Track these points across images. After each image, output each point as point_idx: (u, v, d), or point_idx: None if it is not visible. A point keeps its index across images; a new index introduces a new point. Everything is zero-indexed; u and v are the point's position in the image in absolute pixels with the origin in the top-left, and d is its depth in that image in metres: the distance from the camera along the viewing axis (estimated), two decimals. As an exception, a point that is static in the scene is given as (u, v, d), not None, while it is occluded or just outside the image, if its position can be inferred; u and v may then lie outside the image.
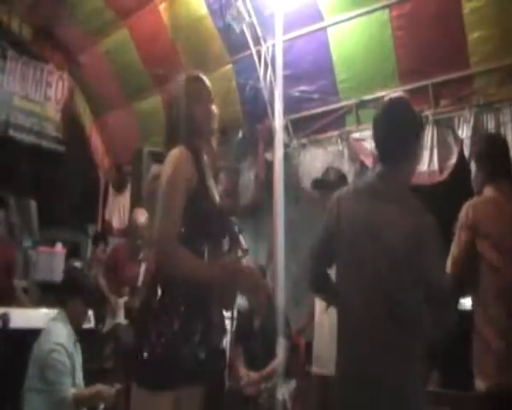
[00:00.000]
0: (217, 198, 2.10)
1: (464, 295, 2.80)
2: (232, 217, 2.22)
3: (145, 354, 1.87)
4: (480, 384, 2.44)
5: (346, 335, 1.99)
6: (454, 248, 2.54)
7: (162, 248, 1.91)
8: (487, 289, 2.46)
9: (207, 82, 2.18)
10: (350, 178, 4.07)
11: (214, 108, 2.16)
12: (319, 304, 3.14)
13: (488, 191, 2.63)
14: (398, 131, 2.06)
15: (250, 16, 4.94)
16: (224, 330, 2.15)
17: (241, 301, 4.57)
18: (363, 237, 1.97)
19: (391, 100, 2.12)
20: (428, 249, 1.91)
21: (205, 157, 2.12)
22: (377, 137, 2.13)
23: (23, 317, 3.81)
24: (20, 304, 4.48)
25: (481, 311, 2.49)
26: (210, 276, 1.93)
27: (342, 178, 3.27)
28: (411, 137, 2.07)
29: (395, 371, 1.86)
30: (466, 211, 2.56)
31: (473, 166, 2.81)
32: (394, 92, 4.50)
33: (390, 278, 1.91)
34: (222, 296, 2.01)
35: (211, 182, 2.10)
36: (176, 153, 2.01)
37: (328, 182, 3.25)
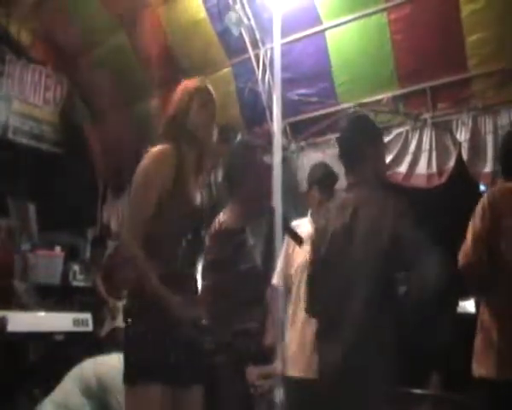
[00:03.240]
0: (195, 202, 2.09)
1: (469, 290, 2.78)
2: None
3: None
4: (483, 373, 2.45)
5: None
6: (468, 236, 2.53)
7: (123, 242, 2.01)
8: (503, 282, 2.46)
9: (211, 89, 2.23)
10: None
11: (213, 114, 2.17)
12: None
13: (502, 184, 2.66)
14: (348, 142, 2.36)
15: (249, 19, 4.94)
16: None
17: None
18: (338, 242, 2.21)
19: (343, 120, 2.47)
20: (401, 237, 2.03)
21: (192, 160, 2.10)
22: (339, 153, 2.41)
23: (21, 320, 3.80)
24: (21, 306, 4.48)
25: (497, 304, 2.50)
26: (153, 290, 1.92)
27: (331, 175, 3.24)
28: (361, 144, 2.29)
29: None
30: (486, 200, 2.55)
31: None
32: (392, 94, 4.55)
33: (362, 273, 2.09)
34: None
35: (191, 185, 2.07)
36: (156, 150, 2.00)
37: (314, 178, 3.23)
